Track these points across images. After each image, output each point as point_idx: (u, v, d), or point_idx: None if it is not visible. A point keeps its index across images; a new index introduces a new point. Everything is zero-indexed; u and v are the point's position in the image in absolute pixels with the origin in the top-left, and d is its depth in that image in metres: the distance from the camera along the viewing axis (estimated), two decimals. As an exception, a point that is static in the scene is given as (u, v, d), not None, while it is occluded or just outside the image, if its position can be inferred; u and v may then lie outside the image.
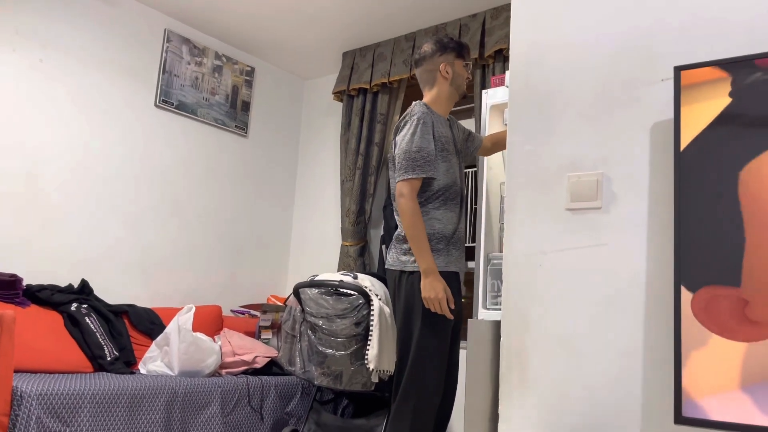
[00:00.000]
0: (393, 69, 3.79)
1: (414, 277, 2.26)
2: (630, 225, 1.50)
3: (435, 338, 2.20)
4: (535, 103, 1.73)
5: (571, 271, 1.58)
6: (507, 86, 2.60)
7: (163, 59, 3.72)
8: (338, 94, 4.13)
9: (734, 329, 1.20)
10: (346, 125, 4.06)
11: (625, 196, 1.53)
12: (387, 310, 3.12)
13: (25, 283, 3.01)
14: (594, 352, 1.50)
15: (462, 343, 3.44)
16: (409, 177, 2.16)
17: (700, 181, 1.30)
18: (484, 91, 2.70)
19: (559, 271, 1.60)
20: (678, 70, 1.40)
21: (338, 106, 4.31)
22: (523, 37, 1.80)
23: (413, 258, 2.23)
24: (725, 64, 1.34)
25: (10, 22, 3.10)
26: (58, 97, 3.27)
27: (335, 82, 4.20)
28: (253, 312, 3.92)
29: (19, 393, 2.30)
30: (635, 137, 1.53)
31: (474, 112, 3.53)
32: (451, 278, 2.27)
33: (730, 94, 1.30)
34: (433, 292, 2.15)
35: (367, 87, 3.90)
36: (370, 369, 2.95)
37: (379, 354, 2.97)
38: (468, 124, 3.65)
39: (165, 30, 3.75)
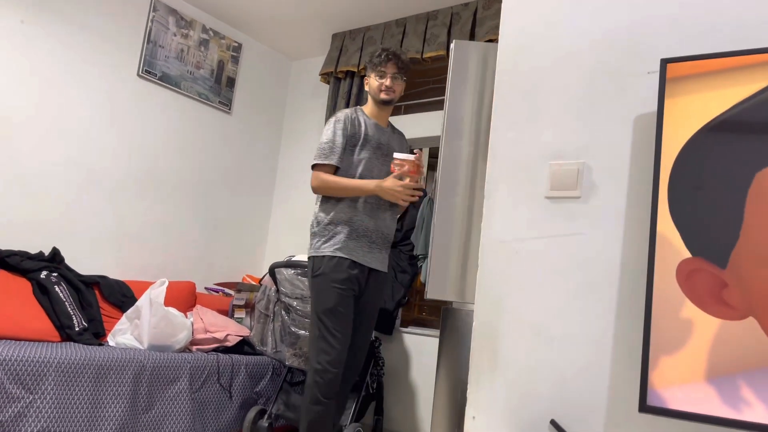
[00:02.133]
0: (382, 53, 3.76)
1: (311, 262, 2.52)
2: (607, 215, 1.51)
3: (327, 317, 2.43)
4: (521, 90, 1.73)
5: (548, 259, 1.58)
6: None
7: (148, 28, 3.65)
8: (325, 76, 4.09)
9: (709, 304, 1.22)
10: (332, 108, 4.03)
11: (605, 187, 1.53)
12: (362, 294, 3.12)
13: (-7, 247, 2.95)
14: (565, 339, 1.51)
15: (434, 331, 3.46)
16: (315, 163, 2.50)
17: (694, 172, 1.31)
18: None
19: (535, 259, 1.60)
20: (664, 62, 1.40)
21: (325, 89, 4.28)
22: (512, 23, 1.79)
23: (314, 243, 2.52)
24: (712, 59, 1.34)
25: (-10, -21, 3.01)
26: (37, 60, 3.19)
27: (323, 63, 4.16)
28: (227, 290, 3.89)
29: (-19, 358, 2.25)
30: (618, 128, 1.54)
31: (460, 102, 3.52)
32: (341, 264, 2.42)
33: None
34: (392, 195, 2.41)
35: (355, 70, 3.87)
36: (342, 352, 2.95)
37: (351, 337, 2.97)
38: (454, 113, 3.64)
39: (152, -1, 3.68)
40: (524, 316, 1.59)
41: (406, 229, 3.64)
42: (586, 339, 1.47)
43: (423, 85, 4.02)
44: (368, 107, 2.64)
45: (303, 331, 3.06)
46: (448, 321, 2.56)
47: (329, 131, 2.51)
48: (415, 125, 3.82)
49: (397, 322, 3.69)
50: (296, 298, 3.08)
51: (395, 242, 3.67)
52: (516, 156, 1.69)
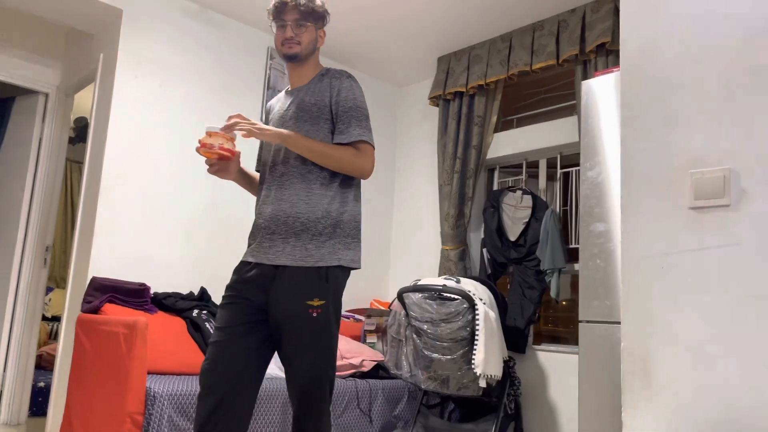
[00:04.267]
0: (489, 70, 3.76)
1: None
2: (765, 223, 1.40)
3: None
4: (651, 96, 1.66)
5: (698, 273, 1.49)
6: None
7: (267, 76, 3.90)
8: (434, 99, 4.15)
9: None
10: (443, 129, 4.07)
11: (758, 192, 1.43)
12: (492, 314, 3.10)
13: (152, 291, 3.25)
14: (729, 359, 1.41)
15: (569, 348, 3.35)
16: None
17: None
18: (584, 84, 2.60)
19: (683, 273, 1.52)
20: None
21: (434, 111, 4.33)
22: (634, 27, 1.73)
23: None
24: None
25: (133, 53, 3.37)
26: (174, 118, 3.51)
27: (431, 87, 4.22)
28: (357, 316, 4.01)
29: (152, 393, 2.49)
30: (767, 129, 1.43)
31: (575, 110, 3.43)
32: (240, 269, 1.99)
33: None
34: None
35: (464, 90, 3.89)
36: (477, 374, 2.94)
37: (485, 359, 2.95)
38: (570, 122, 3.55)
39: (267, 48, 3.93)
40: (678, 335, 1.51)
41: (529, 244, 3.58)
42: (755, 357, 1.37)
43: (534, 95, 3.96)
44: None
45: (436, 354, 3.09)
46: (586, 337, 2.48)
47: None
48: (530, 138, 3.77)
49: (530, 339, 3.62)
50: (426, 321, 3.12)
51: (519, 258, 3.62)
52: (651, 166, 1.63)
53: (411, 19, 3.66)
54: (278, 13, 2.01)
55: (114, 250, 3.23)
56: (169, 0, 3.52)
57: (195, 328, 3.18)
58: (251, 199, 3.80)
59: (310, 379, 1.84)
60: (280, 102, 2.11)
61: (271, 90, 3.91)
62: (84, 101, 4.89)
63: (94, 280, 3.03)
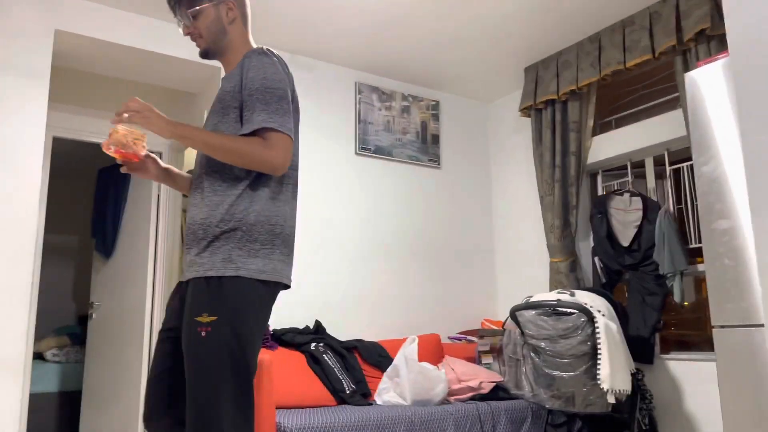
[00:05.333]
0: (580, 74, 3.66)
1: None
2: None
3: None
4: (769, 85, 1.55)
5: None
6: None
7: (357, 110, 4.02)
8: (525, 110, 4.08)
9: None
10: (538, 139, 3.99)
11: None
12: (613, 326, 2.96)
13: (271, 328, 3.40)
14: None
15: (702, 354, 3.12)
16: None
17: None
18: (687, 76, 2.46)
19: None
20: None
21: (525, 123, 4.26)
22: (736, 8, 1.63)
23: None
24: None
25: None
26: (276, 161, 3.68)
27: (520, 98, 4.16)
28: (469, 338, 3.97)
29: (282, 428, 2.59)
30: None
31: (680, 103, 3.24)
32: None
33: None
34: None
35: (555, 97, 3.81)
36: (604, 389, 2.81)
37: (611, 373, 2.82)
38: (673, 117, 3.37)
39: (356, 83, 4.05)
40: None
41: (644, 247, 3.41)
42: None
43: (632, 93, 3.80)
44: None
45: (558, 372, 2.99)
46: (723, 343, 2.31)
47: None
48: (632, 137, 3.61)
49: (656, 348, 3.42)
50: (543, 338, 3.04)
51: (635, 264, 3.44)
52: (779, 157, 1.51)
53: (493, 35, 3.64)
54: (172, 14, 1.76)
55: (233, 292, 3.41)
56: (261, 51, 3.73)
57: (314, 361, 3.28)
58: (362, 234, 3.90)
59: (192, 415, 1.46)
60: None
61: (362, 123, 4.01)
62: (192, 155, 5.25)
63: (218, 322, 3.21)
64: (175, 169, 1.84)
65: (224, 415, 1.45)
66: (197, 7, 1.67)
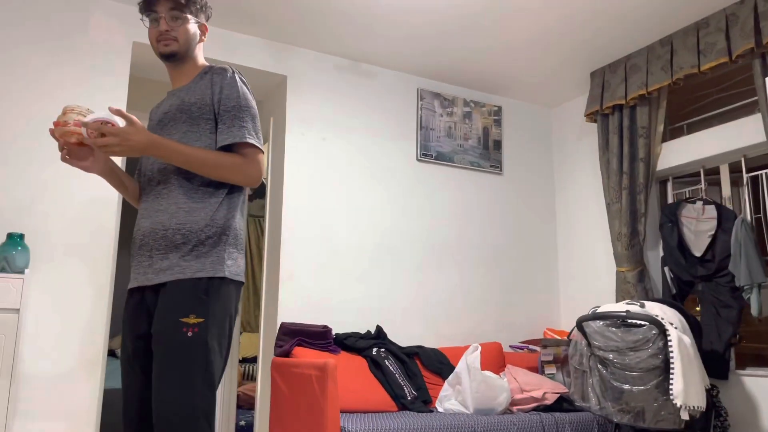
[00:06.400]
0: (650, 78, 3.55)
1: None
2: None
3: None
4: None
5: None
6: None
7: (419, 117, 4.03)
8: (591, 116, 3.99)
9: None
10: (604, 146, 3.90)
11: None
12: (686, 339, 2.85)
13: (333, 332, 3.44)
14: None
15: (758, 371, 2.97)
16: None
17: None
18: (772, 83, 2.36)
19: None
20: None
21: (590, 128, 4.17)
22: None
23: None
24: None
25: (298, 112, 3.67)
26: (340, 167, 3.74)
27: (586, 104, 4.08)
28: (531, 347, 3.91)
29: None
30: None
31: (758, 108, 3.10)
32: (126, 303, 1.72)
33: None
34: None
35: (623, 102, 3.71)
36: (678, 405, 2.71)
37: (685, 388, 2.72)
38: (751, 122, 3.22)
39: (417, 89, 4.06)
40: None
41: (719, 258, 3.27)
42: None
43: (704, 98, 3.66)
44: None
45: (627, 385, 2.90)
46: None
47: None
48: (706, 143, 3.47)
49: (731, 363, 3.27)
50: (611, 350, 2.95)
51: (708, 275, 3.31)
52: None
53: (559, 40, 3.58)
54: (148, 4, 1.75)
55: (296, 295, 3.47)
56: (325, 60, 3.80)
57: (376, 366, 3.30)
58: (423, 240, 3.90)
59: (176, 417, 1.47)
60: (161, 106, 1.83)
61: (423, 129, 4.02)
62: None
63: (283, 325, 3.28)
64: (122, 172, 1.81)
65: (201, 419, 1.50)
66: (185, 15, 1.75)
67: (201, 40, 1.83)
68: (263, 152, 1.71)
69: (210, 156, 1.62)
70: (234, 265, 1.65)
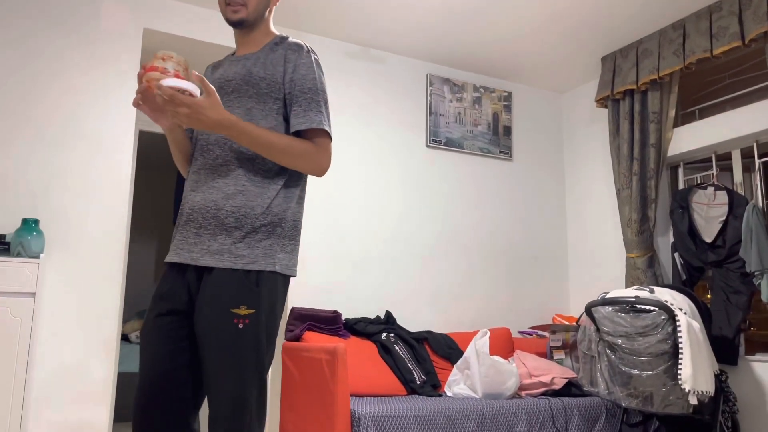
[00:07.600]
0: (662, 63, 3.52)
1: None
2: None
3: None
4: None
5: None
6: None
7: (428, 102, 4.02)
8: (602, 101, 3.97)
9: None
10: (615, 131, 3.87)
11: None
12: (696, 324, 2.86)
13: (343, 317, 3.47)
14: None
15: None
16: None
17: None
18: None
19: None
20: None
21: (601, 113, 4.14)
22: None
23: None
24: None
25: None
26: (350, 154, 3.75)
27: (596, 89, 4.05)
28: (540, 332, 3.92)
29: (356, 415, 2.65)
30: None
31: (771, 92, 3.08)
32: (164, 276, 1.62)
33: None
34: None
35: (634, 87, 3.68)
36: (686, 390, 2.72)
37: (693, 374, 2.73)
38: (763, 107, 3.19)
39: (427, 75, 4.05)
40: None
41: (730, 244, 3.26)
42: None
43: (716, 83, 3.63)
44: None
45: (635, 370, 2.92)
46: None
47: None
48: (718, 128, 3.45)
49: (741, 349, 3.27)
50: (620, 335, 2.96)
51: (719, 261, 3.30)
52: None
53: (569, 24, 3.55)
54: None
55: (307, 280, 3.51)
56: (334, 46, 3.79)
57: (385, 351, 3.33)
58: (432, 225, 3.91)
59: (227, 408, 1.44)
60: (222, 68, 1.70)
61: (433, 115, 4.01)
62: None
63: (293, 310, 3.31)
64: (185, 133, 1.70)
65: (252, 410, 1.47)
66: None
67: (272, 7, 1.71)
68: (331, 140, 1.61)
69: (281, 140, 1.51)
70: (286, 258, 1.56)
